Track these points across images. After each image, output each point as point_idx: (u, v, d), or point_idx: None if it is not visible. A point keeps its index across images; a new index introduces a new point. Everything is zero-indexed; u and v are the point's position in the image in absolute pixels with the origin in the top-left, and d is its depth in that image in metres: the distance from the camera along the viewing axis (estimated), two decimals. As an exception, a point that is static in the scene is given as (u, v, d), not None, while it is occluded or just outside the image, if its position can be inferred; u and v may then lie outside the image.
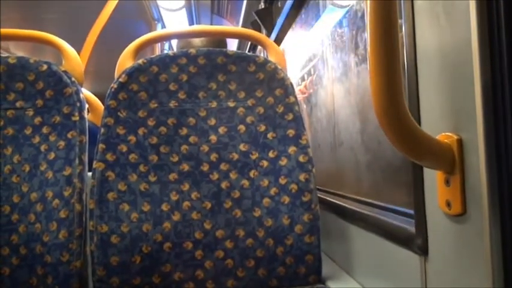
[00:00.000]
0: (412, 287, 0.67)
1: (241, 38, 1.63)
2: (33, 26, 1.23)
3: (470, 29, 0.49)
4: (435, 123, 0.57)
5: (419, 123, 0.61)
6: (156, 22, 4.20)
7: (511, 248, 0.47)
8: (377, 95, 0.50)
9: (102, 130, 0.97)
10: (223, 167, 0.99)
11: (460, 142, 0.52)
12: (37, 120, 1.00)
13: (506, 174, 0.47)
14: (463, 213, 0.52)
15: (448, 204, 0.54)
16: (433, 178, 0.58)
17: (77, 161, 0.96)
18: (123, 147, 0.97)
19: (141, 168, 0.97)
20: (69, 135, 0.98)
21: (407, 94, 0.63)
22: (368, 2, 0.49)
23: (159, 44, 4.10)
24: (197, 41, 1.51)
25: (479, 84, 0.48)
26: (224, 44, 1.57)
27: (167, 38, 1.28)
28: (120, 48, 1.13)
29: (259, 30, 2.39)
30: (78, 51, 1.12)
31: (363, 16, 1.00)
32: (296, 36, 1.78)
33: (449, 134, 0.54)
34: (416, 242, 0.63)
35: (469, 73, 0.49)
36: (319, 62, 1.42)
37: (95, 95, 1.66)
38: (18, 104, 1.01)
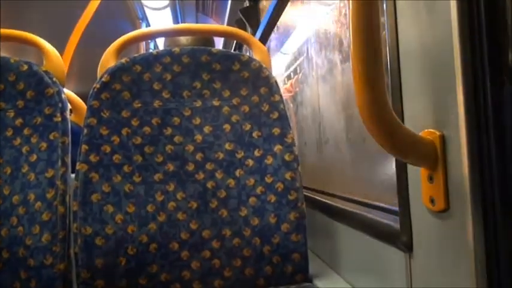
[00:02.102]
0: (397, 283, 0.67)
1: (226, 36, 1.62)
2: (15, 26, 1.21)
3: (451, 26, 0.49)
4: (418, 120, 0.58)
5: (402, 120, 0.61)
6: (140, 21, 4.16)
7: (494, 243, 0.47)
8: (360, 92, 0.50)
9: (85, 131, 0.96)
10: (208, 166, 0.98)
11: (442, 138, 0.52)
12: (18, 121, 0.98)
13: (488, 170, 0.47)
14: (447, 209, 0.52)
15: (432, 201, 0.54)
16: (417, 175, 0.58)
17: (59, 163, 0.94)
18: (107, 148, 0.96)
19: (125, 168, 0.96)
20: (51, 137, 0.96)
21: (390, 91, 0.63)
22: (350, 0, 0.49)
23: (144, 44, 4.07)
24: (183, 40, 1.50)
25: (461, 80, 0.49)
26: (211, 43, 1.56)
27: (150, 36, 1.27)
28: (104, 48, 1.11)
29: (245, 29, 2.39)
30: (62, 51, 1.10)
31: (346, 14, 1.00)
32: (281, 34, 1.78)
33: (432, 130, 0.54)
34: (401, 238, 0.64)
35: (450, 70, 0.50)
36: (305, 60, 1.42)
37: (79, 96, 1.64)
38: None
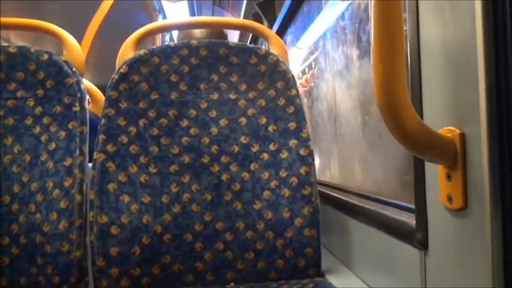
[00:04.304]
0: (412, 281, 0.67)
1: (243, 29, 1.62)
2: (34, 16, 1.22)
3: (475, 23, 0.49)
4: (438, 117, 0.57)
5: (421, 117, 0.60)
6: (157, 13, 4.18)
7: (512, 243, 0.47)
8: (380, 89, 0.50)
9: (103, 121, 0.97)
10: (223, 159, 0.99)
11: (462, 136, 0.52)
12: (38, 110, 1.00)
13: (509, 169, 0.47)
14: (464, 207, 0.52)
15: (449, 199, 0.54)
16: (435, 172, 0.57)
17: (77, 152, 0.95)
18: (124, 139, 0.97)
19: (142, 159, 0.97)
20: (69, 126, 0.97)
21: (410, 88, 0.62)
22: (372, -5, 0.49)
23: (160, 36, 4.08)
24: (197, 33, 1.50)
25: (483, 78, 0.48)
26: (224, 37, 1.56)
27: (168, 29, 1.28)
28: (121, 39, 1.12)
29: (261, 22, 2.38)
30: (79, 42, 1.11)
31: (365, 9, 0.99)
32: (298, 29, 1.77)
33: (452, 128, 0.53)
34: (417, 236, 0.63)
35: (473, 67, 0.49)
36: (321, 55, 1.41)
37: (96, 86, 1.66)
38: (18, 94, 1.01)
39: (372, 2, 0.49)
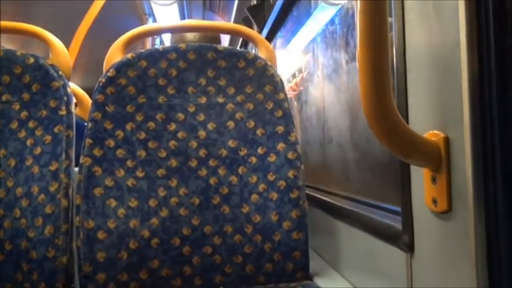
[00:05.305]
0: (398, 283, 0.67)
1: (232, 33, 1.62)
2: (23, 19, 1.21)
3: (459, 28, 0.49)
4: (423, 122, 0.58)
5: (407, 121, 0.61)
6: (147, 17, 4.16)
7: (496, 245, 0.47)
8: (366, 93, 0.50)
9: (90, 125, 0.96)
10: (211, 163, 0.98)
11: (447, 140, 0.53)
12: (23, 114, 0.99)
13: (492, 172, 0.47)
14: (449, 210, 0.52)
15: (434, 202, 0.55)
16: (420, 176, 0.58)
17: (63, 156, 0.95)
18: (111, 142, 0.96)
19: (129, 163, 0.96)
20: (55, 130, 0.96)
21: (396, 92, 0.63)
22: (358, 0, 0.49)
23: (151, 39, 4.07)
24: (190, 37, 1.50)
25: (467, 83, 0.49)
26: (218, 41, 1.56)
27: (157, 32, 1.27)
28: (110, 42, 1.12)
29: (251, 27, 2.38)
30: (67, 45, 1.10)
31: (353, 14, 1.00)
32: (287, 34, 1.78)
33: (437, 132, 0.54)
34: (403, 239, 0.64)
35: (457, 72, 0.50)
36: (310, 59, 1.42)
37: (85, 90, 1.65)
38: (4, 98, 1.00)
39: (358, 7, 0.49)
